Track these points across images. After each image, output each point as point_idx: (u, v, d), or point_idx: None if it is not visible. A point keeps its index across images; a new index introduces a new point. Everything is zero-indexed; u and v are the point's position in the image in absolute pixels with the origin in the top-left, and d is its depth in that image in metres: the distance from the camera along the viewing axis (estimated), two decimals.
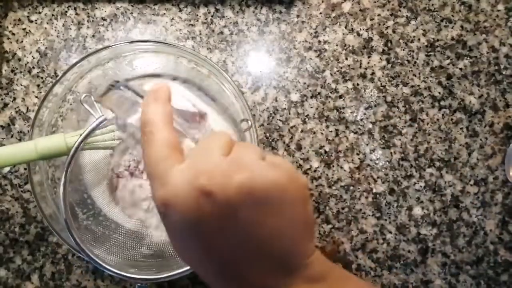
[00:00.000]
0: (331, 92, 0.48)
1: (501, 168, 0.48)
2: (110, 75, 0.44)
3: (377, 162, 0.48)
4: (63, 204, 0.35)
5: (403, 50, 0.49)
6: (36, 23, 0.48)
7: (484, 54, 0.49)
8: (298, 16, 0.49)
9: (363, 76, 0.48)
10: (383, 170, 0.48)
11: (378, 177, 0.47)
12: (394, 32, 0.49)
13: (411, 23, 0.49)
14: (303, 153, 0.48)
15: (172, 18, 0.48)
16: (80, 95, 0.36)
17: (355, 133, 0.48)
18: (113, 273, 0.36)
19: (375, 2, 0.49)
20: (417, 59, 0.48)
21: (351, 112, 0.48)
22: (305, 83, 0.48)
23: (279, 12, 0.49)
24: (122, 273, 0.36)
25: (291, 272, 0.22)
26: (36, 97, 0.48)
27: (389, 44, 0.48)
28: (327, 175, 0.48)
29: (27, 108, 0.48)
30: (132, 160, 0.43)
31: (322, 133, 0.48)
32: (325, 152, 0.48)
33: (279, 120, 0.48)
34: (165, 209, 0.21)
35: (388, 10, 0.49)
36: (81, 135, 0.35)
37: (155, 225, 0.42)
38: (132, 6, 0.48)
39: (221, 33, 0.48)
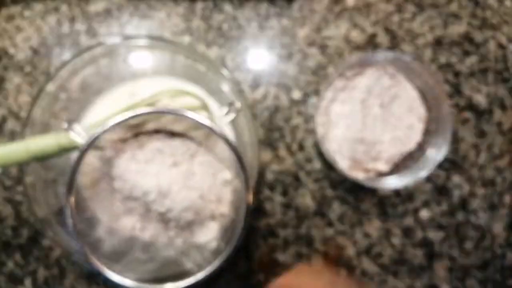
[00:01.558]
0: None
1: (509, 169, 0.47)
2: (104, 72, 0.43)
3: None
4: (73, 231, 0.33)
5: (409, 46, 0.47)
6: (28, 19, 0.48)
7: (492, 51, 0.48)
8: (300, 10, 0.47)
9: None
10: None
11: None
12: (399, 28, 0.47)
13: (417, 18, 0.48)
14: (305, 154, 0.47)
15: (169, 13, 0.47)
16: (62, 125, 0.36)
17: None
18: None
19: None
20: (423, 56, 0.47)
21: None
22: (307, 80, 0.47)
23: (280, 6, 0.47)
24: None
25: None
26: (29, 95, 0.47)
27: (395, 40, 0.47)
28: (330, 176, 0.47)
29: (19, 106, 0.47)
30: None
31: None
32: None
33: (280, 119, 0.47)
34: None
35: (393, 4, 0.48)
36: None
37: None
38: (127, 0, 0.47)
39: (220, 28, 0.47)
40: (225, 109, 0.37)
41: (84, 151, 0.33)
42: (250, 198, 0.34)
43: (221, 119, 0.37)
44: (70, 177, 0.33)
